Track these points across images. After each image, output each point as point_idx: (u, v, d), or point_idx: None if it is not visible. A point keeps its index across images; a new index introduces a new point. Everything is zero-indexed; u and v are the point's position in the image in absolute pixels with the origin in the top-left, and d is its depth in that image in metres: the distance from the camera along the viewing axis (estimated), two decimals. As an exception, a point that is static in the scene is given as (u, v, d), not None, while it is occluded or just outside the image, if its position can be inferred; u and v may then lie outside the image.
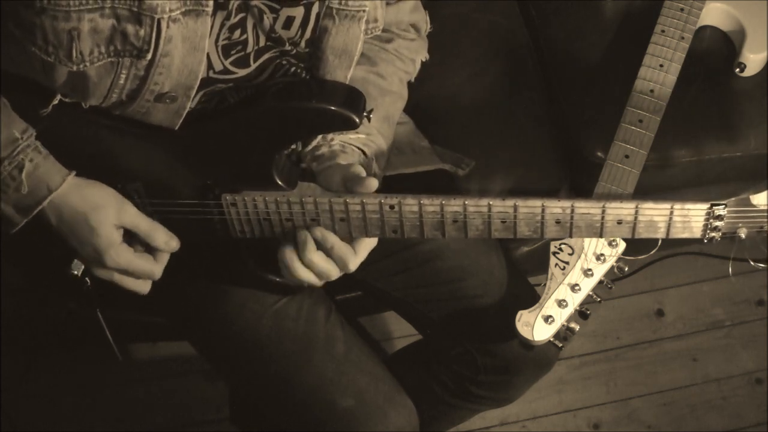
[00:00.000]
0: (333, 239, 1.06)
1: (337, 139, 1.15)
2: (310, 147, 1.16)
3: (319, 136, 1.15)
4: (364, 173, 1.06)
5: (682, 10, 1.46)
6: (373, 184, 1.04)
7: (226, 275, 1.21)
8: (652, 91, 1.35)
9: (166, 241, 1.11)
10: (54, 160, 1.05)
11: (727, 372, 2.01)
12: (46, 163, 1.04)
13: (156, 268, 1.12)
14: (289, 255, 1.08)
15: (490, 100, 1.59)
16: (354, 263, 1.08)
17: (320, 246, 1.07)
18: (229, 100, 1.10)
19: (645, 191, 1.28)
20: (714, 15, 1.58)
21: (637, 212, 1.01)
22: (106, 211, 1.07)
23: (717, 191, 1.63)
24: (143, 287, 1.14)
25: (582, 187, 1.58)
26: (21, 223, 1.06)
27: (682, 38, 1.42)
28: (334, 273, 1.09)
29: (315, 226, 1.06)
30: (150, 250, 1.12)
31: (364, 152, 1.17)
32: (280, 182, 1.07)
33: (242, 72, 1.09)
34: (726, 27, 1.59)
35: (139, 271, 1.11)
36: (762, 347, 2.02)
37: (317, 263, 1.07)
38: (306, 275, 1.08)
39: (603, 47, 1.61)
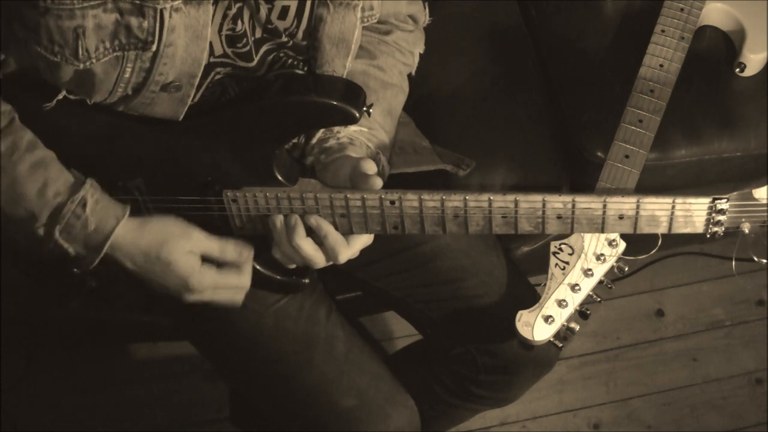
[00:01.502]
0: (328, 228, 1.06)
1: (344, 132, 1.15)
2: (315, 140, 1.16)
3: (322, 130, 1.15)
4: (373, 169, 1.06)
5: (682, 10, 1.46)
6: (378, 183, 1.04)
7: (226, 274, 1.21)
8: (652, 91, 1.34)
9: (239, 253, 1.12)
10: (109, 197, 1.07)
11: (727, 372, 2.01)
12: (104, 198, 1.06)
13: (243, 279, 1.13)
14: (279, 234, 1.08)
15: (490, 99, 1.59)
16: (344, 255, 1.08)
17: (314, 234, 1.07)
18: (230, 93, 1.11)
19: (645, 191, 1.28)
20: (714, 15, 1.58)
21: (638, 207, 1.00)
22: (175, 242, 1.08)
23: (717, 191, 1.63)
24: (238, 297, 1.14)
25: (582, 188, 1.58)
26: (95, 261, 1.07)
27: (682, 38, 1.42)
28: (321, 261, 1.09)
29: (310, 214, 1.06)
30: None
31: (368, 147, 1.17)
32: (280, 178, 1.07)
33: (244, 65, 1.09)
34: (726, 27, 1.59)
35: (229, 286, 1.12)
36: (762, 347, 2.02)
37: (305, 249, 1.07)
38: (291, 254, 1.08)
39: (603, 47, 1.61)
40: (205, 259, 1.11)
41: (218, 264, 1.11)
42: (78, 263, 1.08)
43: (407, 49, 1.27)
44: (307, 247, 1.07)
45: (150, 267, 1.08)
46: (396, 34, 1.25)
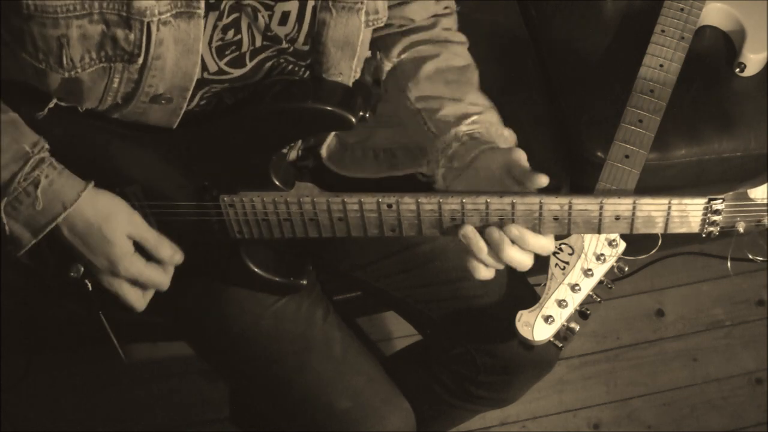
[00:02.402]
0: (527, 236, 1.02)
1: (463, 129, 1.12)
2: (442, 151, 1.13)
3: (441, 139, 1.13)
4: (525, 161, 1.03)
5: (682, 10, 1.46)
6: (544, 180, 1.01)
7: (225, 276, 1.21)
8: (652, 91, 1.35)
9: (171, 254, 1.12)
10: (68, 174, 1.05)
11: (727, 372, 2.01)
12: (60, 179, 1.04)
13: (165, 279, 1.13)
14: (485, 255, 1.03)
15: (490, 99, 1.58)
16: (550, 246, 1.04)
17: (516, 243, 1.03)
18: (226, 101, 1.10)
19: (645, 191, 1.28)
20: (714, 15, 1.58)
21: (634, 208, 1.00)
22: (118, 221, 1.07)
23: (717, 191, 1.63)
24: (141, 303, 1.14)
25: (582, 187, 1.58)
26: (29, 244, 1.06)
27: (682, 38, 1.42)
28: (529, 262, 1.04)
29: (509, 225, 1.01)
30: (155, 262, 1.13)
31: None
32: (277, 183, 1.07)
33: (237, 72, 1.08)
34: (726, 27, 1.59)
35: (150, 281, 1.12)
36: (762, 347, 2.02)
37: (515, 257, 1.02)
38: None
39: (603, 47, 1.61)
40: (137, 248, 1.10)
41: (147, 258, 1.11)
42: (12, 242, 1.06)
43: (454, 29, 1.24)
44: (517, 254, 1.02)
45: (87, 238, 1.07)
46: (442, 22, 1.23)
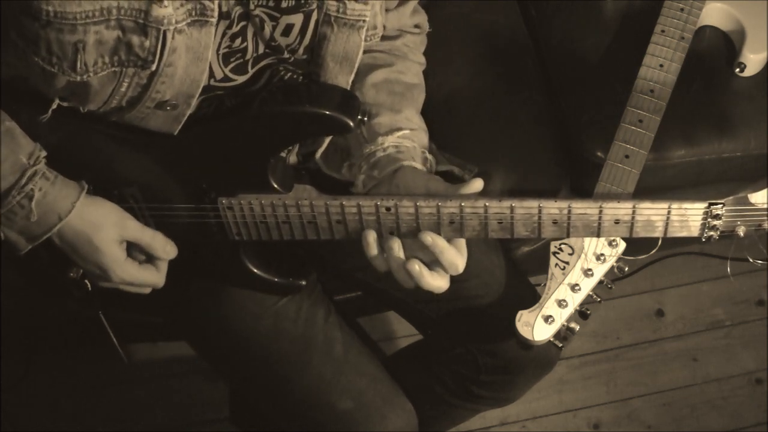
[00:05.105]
0: (442, 244, 1.04)
1: (388, 142, 1.15)
2: (366, 157, 1.15)
3: (367, 145, 1.15)
4: (445, 186, 1.07)
5: (682, 10, 1.46)
6: (479, 185, 1.04)
7: (225, 277, 1.21)
8: (652, 91, 1.34)
9: (165, 249, 1.12)
10: (62, 182, 1.05)
11: (727, 372, 2.01)
12: (54, 190, 1.04)
13: (160, 278, 1.14)
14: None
15: (490, 100, 1.59)
16: (462, 264, 1.07)
17: (429, 250, 1.05)
18: (227, 104, 1.10)
19: (645, 191, 1.28)
20: (714, 15, 1.58)
21: (634, 212, 1.00)
22: (107, 230, 1.07)
23: (717, 191, 1.63)
24: (145, 291, 1.15)
25: (582, 187, 1.58)
26: (27, 249, 1.07)
27: (682, 38, 1.42)
28: (445, 284, 1.08)
29: (424, 232, 1.04)
30: (150, 257, 1.13)
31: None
32: (275, 185, 1.07)
33: (240, 79, 1.09)
34: (726, 27, 1.59)
35: (145, 283, 1.13)
36: (762, 347, 2.02)
37: (433, 284, 1.06)
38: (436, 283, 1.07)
39: (603, 47, 1.61)
40: (130, 246, 1.11)
41: (139, 253, 1.12)
42: (10, 246, 1.07)
43: (417, 49, 1.27)
44: (434, 282, 1.06)
45: (76, 245, 1.07)
46: (405, 37, 1.25)
